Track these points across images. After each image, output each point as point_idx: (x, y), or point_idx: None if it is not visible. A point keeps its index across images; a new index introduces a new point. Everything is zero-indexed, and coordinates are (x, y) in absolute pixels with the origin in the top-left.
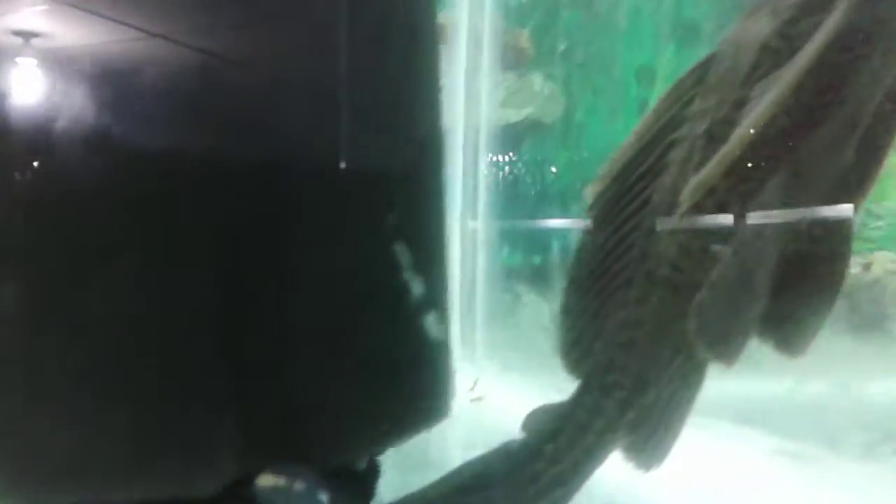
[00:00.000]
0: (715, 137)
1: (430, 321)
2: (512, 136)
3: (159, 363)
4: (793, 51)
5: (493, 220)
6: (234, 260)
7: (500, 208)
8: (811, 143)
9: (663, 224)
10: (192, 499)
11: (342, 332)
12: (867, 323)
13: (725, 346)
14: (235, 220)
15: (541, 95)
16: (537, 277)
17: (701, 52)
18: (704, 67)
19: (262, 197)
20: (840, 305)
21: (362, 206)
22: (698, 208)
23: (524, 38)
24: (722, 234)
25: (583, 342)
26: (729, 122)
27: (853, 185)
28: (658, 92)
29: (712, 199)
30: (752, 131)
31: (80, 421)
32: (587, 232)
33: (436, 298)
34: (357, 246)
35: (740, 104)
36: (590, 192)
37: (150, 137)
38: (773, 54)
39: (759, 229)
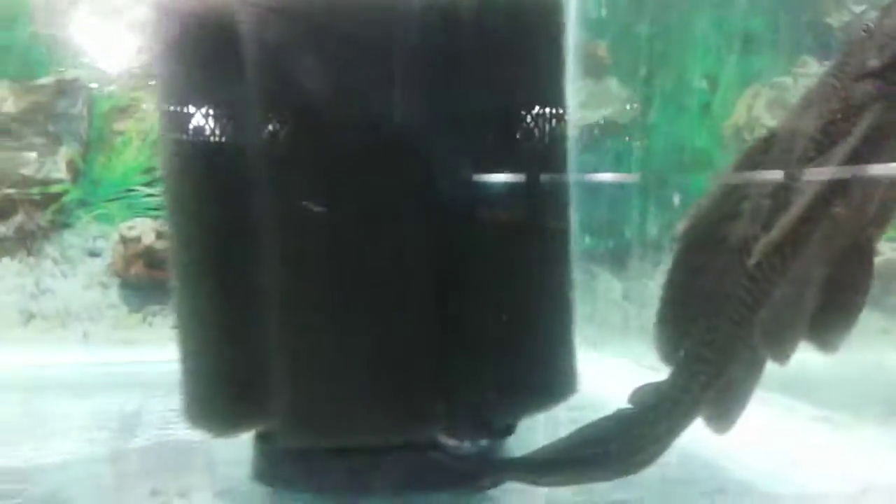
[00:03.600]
0: (777, 200)
1: (569, 306)
2: (591, 135)
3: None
4: (832, 144)
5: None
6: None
7: (580, 199)
8: (845, 204)
9: (737, 262)
10: (407, 444)
11: (515, 316)
12: None
13: (781, 349)
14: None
15: (617, 99)
16: (611, 259)
17: (757, 62)
18: (768, 143)
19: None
20: (876, 288)
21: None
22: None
23: (602, 48)
24: (779, 271)
25: (674, 341)
26: (786, 190)
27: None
28: (720, 96)
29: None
30: (806, 202)
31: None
32: (676, 258)
33: (569, 289)
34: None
35: (793, 178)
36: (680, 227)
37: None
38: (818, 144)
39: (807, 267)
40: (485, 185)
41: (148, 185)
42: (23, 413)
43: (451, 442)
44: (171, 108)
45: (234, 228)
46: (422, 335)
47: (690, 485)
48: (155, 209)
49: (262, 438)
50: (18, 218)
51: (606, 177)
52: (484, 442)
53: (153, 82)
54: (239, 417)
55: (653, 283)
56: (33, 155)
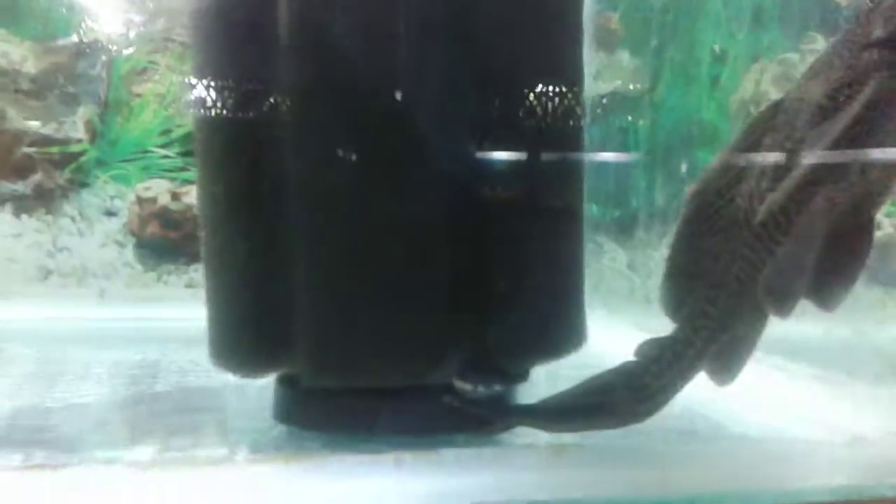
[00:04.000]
0: (781, 164)
1: (579, 264)
2: (602, 106)
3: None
4: (837, 110)
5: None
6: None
7: (588, 170)
8: (847, 170)
9: (743, 222)
10: (426, 386)
11: (531, 269)
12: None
13: (783, 304)
14: None
15: (628, 71)
16: (617, 229)
17: (765, 37)
18: (774, 110)
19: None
20: (874, 261)
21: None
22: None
23: (615, 20)
24: (783, 230)
25: (679, 297)
26: (791, 154)
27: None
28: (728, 70)
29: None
30: (810, 165)
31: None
32: (685, 219)
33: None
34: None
35: (799, 142)
36: (690, 191)
37: None
38: (823, 110)
39: (810, 226)
40: (507, 152)
41: (164, 146)
42: (44, 361)
43: (465, 387)
44: (204, 71)
45: (260, 180)
46: (439, 284)
47: (690, 434)
48: (170, 170)
49: (283, 380)
50: (37, 176)
51: (614, 148)
52: (497, 388)
53: (171, 45)
54: (263, 359)
55: (657, 254)
56: (51, 115)
